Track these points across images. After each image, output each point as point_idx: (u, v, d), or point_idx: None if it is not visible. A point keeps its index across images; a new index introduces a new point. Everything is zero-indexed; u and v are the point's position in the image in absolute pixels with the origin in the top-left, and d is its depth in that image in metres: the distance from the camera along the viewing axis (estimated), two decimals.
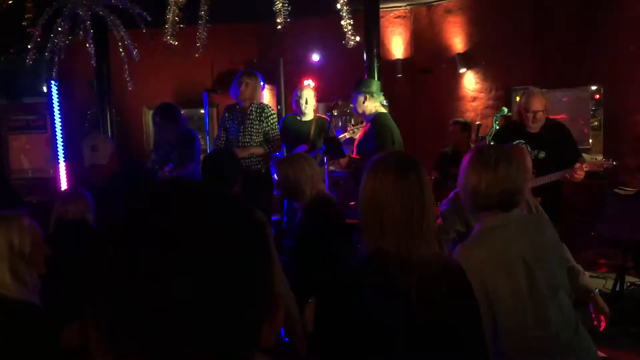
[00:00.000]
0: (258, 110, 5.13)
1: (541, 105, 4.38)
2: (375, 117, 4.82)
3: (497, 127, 4.78)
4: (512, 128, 4.65)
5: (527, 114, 4.37)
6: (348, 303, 1.70)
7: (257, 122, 5.10)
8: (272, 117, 5.16)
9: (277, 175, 3.51)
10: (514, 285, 2.03)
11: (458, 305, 1.71)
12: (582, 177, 4.15)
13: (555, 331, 2.05)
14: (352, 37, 4.84)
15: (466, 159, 2.17)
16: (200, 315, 0.62)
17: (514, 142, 4.45)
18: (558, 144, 4.38)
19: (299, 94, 5.42)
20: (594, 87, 7.21)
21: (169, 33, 5.05)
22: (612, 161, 4.29)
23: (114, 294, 0.63)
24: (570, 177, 4.14)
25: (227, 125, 5.21)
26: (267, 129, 5.11)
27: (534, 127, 4.41)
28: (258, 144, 5.10)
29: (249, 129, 5.11)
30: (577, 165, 4.11)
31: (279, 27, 4.74)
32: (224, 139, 5.23)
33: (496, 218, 2.12)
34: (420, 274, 1.68)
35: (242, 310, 0.65)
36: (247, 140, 5.09)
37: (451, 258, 1.93)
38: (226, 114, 5.25)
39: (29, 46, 5.56)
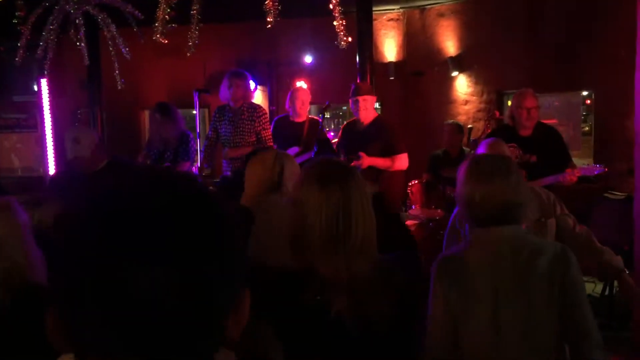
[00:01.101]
0: (250, 110, 5.11)
1: (534, 102, 4.41)
2: (381, 118, 4.90)
3: (489, 131, 4.79)
4: (504, 131, 4.66)
5: (521, 110, 4.36)
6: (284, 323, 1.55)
7: (248, 122, 5.09)
8: (263, 117, 5.15)
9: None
10: (478, 314, 1.88)
11: (398, 323, 1.60)
12: (573, 181, 4.17)
13: None
14: (344, 38, 4.83)
15: (462, 168, 2.03)
16: (159, 309, 0.61)
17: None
18: (549, 148, 4.39)
19: (294, 95, 5.41)
20: (585, 93, 7.25)
21: (159, 31, 5.02)
22: (604, 167, 4.31)
23: (73, 287, 0.62)
24: (562, 180, 4.16)
25: (218, 126, 5.20)
26: (258, 129, 5.10)
27: (527, 127, 4.42)
28: (250, 144, 5.09)
29: (241, 129, 5.09)
30: (569, 170, 4.12)
31: (269, 26, 4.74)
32: (214, 139, 5.22)
33: (484, 233, 1.95)
34: (353, 293, 1.57)
35: (205, 302, 0.64)
36: (239, 140, 5.08)
37: (397, 270, 1.72)
38: (217, 115, 5.23)
39: (19, 44, 5.53)
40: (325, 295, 1.59)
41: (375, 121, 4.89)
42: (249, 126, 5.09)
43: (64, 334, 0.64)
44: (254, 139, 5.11)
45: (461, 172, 2.02)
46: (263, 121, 5.12)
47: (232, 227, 0.69)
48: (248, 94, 5.20)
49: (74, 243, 0.64)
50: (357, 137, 4.83)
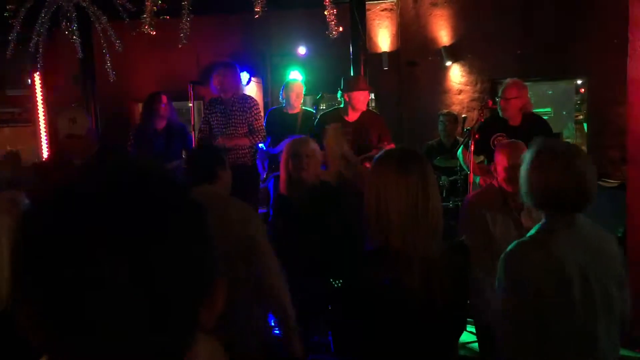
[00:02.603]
0: (241, 102, 5.10)
1: (515, 93, 4.53)
2: (372, 111, 4.94)
3: (481, 120, 4.82)
4: (495, 120, 4.73)
5: (501, 100, 4.55)
6: (358, 297, 1.78)
7: (240, 113, 5.08)
8: (255, 107, 5.13)
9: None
10: (566, 294, 1.89)
11: (458, 300, 1.78)
12: None
13: (601, 354, 1.92)
14: (335, 27, 4.84)
15: (531, 154, 2.02)
16: (132, 298, 0.60)
17: (494, 136, 4.56)
18: (536, 137, 4.44)
19: (288, 87, 5.40)
20: (579, 81, 7.26)
21: (147, 22, 5.00)
22: None
23: (43, 278, 0.61)
24: None
25: (210, 118, 5.19)
26: (251, 119, 5.09)
27: (512, 118, 4.55)
28: (243, 135, 5.08)
29: (233, 120, 5.08)
30: None
31: (257, 16, 4.73)
32: (207, 131, 5.21)
33: (561, 219, 1.95)
34: (424, 269, 1.73)
35: (177, 292, 0.64)
36: (232, 132, 5.07)
37: (457, 253, 1.89)
38: (208, 107, 5.23)
39: (9, 37, 5.50)
40: (398, 271, 1.75)
41: (367, 114, 4.93)
42: (241, 117, 5.07)
43: (33, 332, 0.64)
44: (247, 129, 5.10)
45: (531, 158, 2.00)
46: (255, 112, 5.11)
47: (187, 215, 0.68)
48: (238, 84, 5.18)
49: (28, 233, 0.63)
50: (349, 128, 4.84)
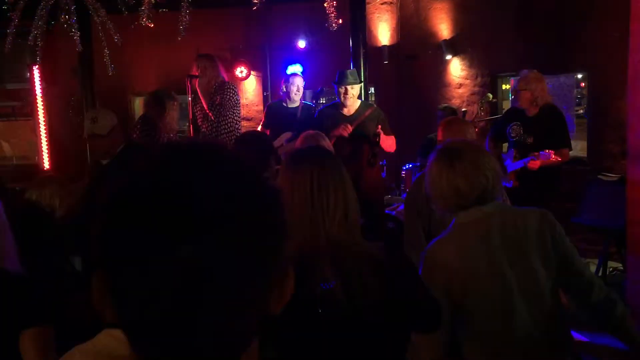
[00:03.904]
0: (220, 86, 5.12)
1: (522, 85, 4.64)
2: (370, 103, 4.95)
3: (482, 114, 4.86)
4: (513, 111, 4.94)
5: (513, 92, 4.69)
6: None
7: (219, 98, 5.10)
8: (227, 89, 5.08)
9: None
10: (483, 284, 1.95)
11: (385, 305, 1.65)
12: (535, 167, 4.36)
13: (527, 330, 1.94)
14: (335, 20, 4.83)
15: (432, 162, 2.08)
16: (210, 283, 0.60)
17: (510, 125, 4.68)
18: (547, 129, 4.51)
19: (289, 81, 5.39)
20: (579, 75, 7.24)
21: (145, 15, 5.00)
22: (557, 157, 4.40)
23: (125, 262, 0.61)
24: (528, 165, 4.39)
25: (195, 111, 5.21)
26: (223, 98, 5.06)
27: (527, 108, 4.66)
28: (230, 121, 5.11)
29: (213, 111, 5.11)
30: (533, 154, 4.36)
31: (254, 8, 4.72)
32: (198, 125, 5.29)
33: (469, 213, 2.02)
34: (347, 266, 1.63)
35: (256, 275, 0.64)
36: (209, 121, 5.11)
37: (374, 249, 1.77)
38: (193, 100, 5.25)
39: (8, 31, 5.48)
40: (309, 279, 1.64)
41: (363, 107, 4.93)
42: (220, 102, 5.11)
43: (106, 304, 0.64)
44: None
45: (433, 165, 2.07)
46: (226, 93, 5.05)
47: (281, 206, 0.69)
48: (217, 73, 5.15)
49: (106, 219, 0.63)
50: (349, 122, 4.83)
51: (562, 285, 2.03)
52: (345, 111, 4.90)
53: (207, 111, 5.08)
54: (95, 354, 1.46)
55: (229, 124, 5.10)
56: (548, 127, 4.55)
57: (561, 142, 4.53)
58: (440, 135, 3.33)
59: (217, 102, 5.05)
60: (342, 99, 4.86)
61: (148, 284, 0.60)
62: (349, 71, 5.04)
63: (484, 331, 1.98)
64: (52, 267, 2.29)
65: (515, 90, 4.78)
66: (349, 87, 4.81)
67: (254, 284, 0.65)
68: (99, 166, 3.78)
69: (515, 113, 4.83)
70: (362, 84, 5.02)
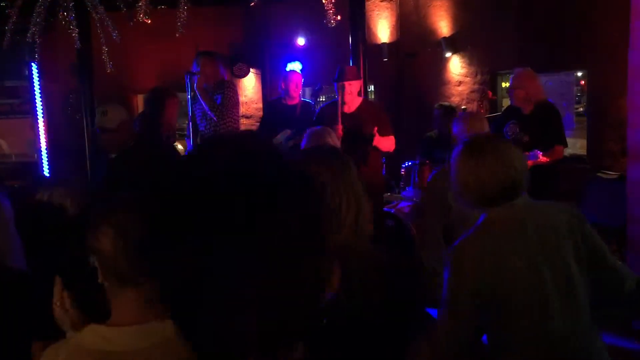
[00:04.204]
0: (219, 84, 5.13)
1: (515, 83, 4.70)
2: (371, 102, 4.91)
3: (481, 111, 4.86)
4: (510, 110, 4.95)
5: (508, 90, 4.79)
6: None
7: (219, 96, 5.12)
8: (227, 88, 5.09)
9: None
10: (520, 282, 1.88)
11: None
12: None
13: (564, 332, 1.89)
14: (333, 16, 4.81)
15: (457, 156, 2.03)
16: (273, 277, 0.62)
17: (508, 123, 4.68)
18: (543, 127, 4.49)
19: (288, 78, 5.39)
20: (579, 73, 7.23)
21: (142, 11, 4.98)
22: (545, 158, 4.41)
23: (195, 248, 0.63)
24: None
25: (194, 109, 5.22)
26: (223, 96, 5.08)
27: (522, 106, 4.68)
28: (231, 120, 5.13)
29: (219, 106, 5.13)
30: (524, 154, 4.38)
31: (252, 4, 4.71)
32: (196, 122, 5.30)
33: (500, 209, 1.95)
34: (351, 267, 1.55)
35: (314, 269, 0.66)
36: (209, 118, 5.11)
37: (380, 255, 1.70)
38: (193, 98, 5.26)
39: (6, 28, 5.46)
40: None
41: (364, 104, 4.88)
42: (220, 100, 5.11)
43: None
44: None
45: (459, 160, 2.01)
46: (226, 91, 5.07)
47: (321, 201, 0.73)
48: (217, 71, 5.16)
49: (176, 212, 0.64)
50: (346, 120, 4.80)
51: (593, 281, 1.96)
52: (345, 109, 4.85)
53: (209, 111, 5.07)
54: (79, 348, 1.48)
55: (228, 123, 5.09)
56: (543, 124, 4.56)
57: (556, 139, 4.53)
58: (459, 130, 3.27)
59: (218, 101, 5.05)
60: (341, 96, 4.82)
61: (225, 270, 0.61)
62: (347, 67, 5.01)
63: (518, 334, 1.91)
64: (66, 267, 2.29)
65: (509, 89, 4.78)
66: (347, 83, 4.77)
67: (314, 276, 0.67)
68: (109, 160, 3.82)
69: (512, 111, 4.84)
70: (362, 80, 4.98)
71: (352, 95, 4.82)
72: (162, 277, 0.64)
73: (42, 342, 1.90)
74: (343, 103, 4.86)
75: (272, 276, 0.62)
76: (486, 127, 3.34)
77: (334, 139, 3.66)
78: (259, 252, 0.61)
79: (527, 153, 4.39)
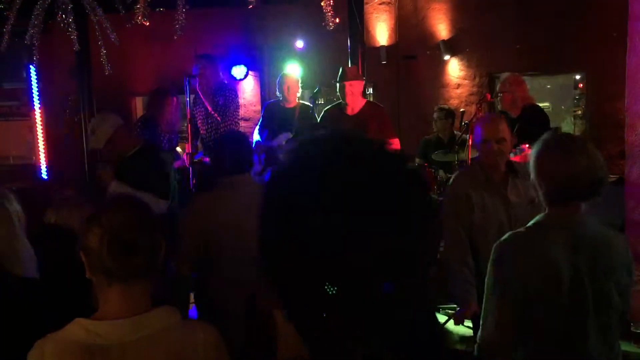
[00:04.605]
0: (219, 88, 5.17)
1: (503, 87, 4.76)
2: (373, 104, 4.95)
3: (480, 114, 4.86)
4: (501, 114, 4.90)
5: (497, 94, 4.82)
6: None
7: (221, 100, 5.15)
8: (228, 91, 5.19)
9: None
10: (553, 293, 1.87)
11: None
12: None
13: (590, 355, 1.89)
14: (332, 19, 4.80)
15: (541, 144, 2.00)
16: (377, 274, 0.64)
17: None
18: (529, 129, 4.50)
19: (281, 81, 5.39)
20: (578, 76, 7.24)
21: (140, 13, 4.99)
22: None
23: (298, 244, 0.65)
24: None
25: (194, 111, 5.26)
26: (226, 100, 5.14)
27: (509, 110, 4.73)
28: (232, 121, 5.18)
29: (222, 108, 5.17)
30: (512, 150, 4.40)
31: (250, 6, 4.72)
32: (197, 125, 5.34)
33: (562, 215, 1.92)
34: None
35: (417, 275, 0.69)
36: (212, 120, 5.16)
37: None
38: (193, 101, 5.31)
39: (4, 30, 5.45)
40: None
41: (368, 106, 4.87)
42: (222, 103, 5.15)
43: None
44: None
45: (547, 148, 1.97)
46: (227, 94, 5.14)
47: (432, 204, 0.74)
48: (217, 75, 5.24)
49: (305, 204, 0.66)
50: (349, 122, 4.79)
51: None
52: (349, 110, 4.83)
53: (212, 112, 5.09)
54: (66, 341, 1.52)
55: (230, 125, 5.13)
56: (529, 126, 4.58)
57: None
58: (479, 132, 3.20)
59: (220, 103, 5.07)
60: (343, 97, 4.80)
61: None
62: (348, 67, 5.00)
63: (546, 349, 1.90)
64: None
65: (496, 94, 4.85)
66: (347, 83, 4.75)
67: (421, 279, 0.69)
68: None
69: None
70: (364, 81, 4.95)
71: (354, 96, 4.78)
72: (286, 279, 0.65)
73: None
74: (345, 104, 4.83)
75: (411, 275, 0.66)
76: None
77: None
78: (402, 251, 0.64)
79: (513, 150, 4.39)
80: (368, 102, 4.96)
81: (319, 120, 5.10)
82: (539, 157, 1.98)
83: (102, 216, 1.54)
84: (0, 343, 1.90)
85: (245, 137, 3.46)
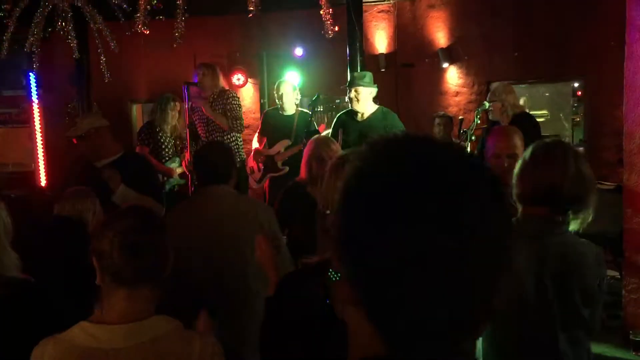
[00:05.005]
0: (219, 95, 5.23)
1: (493, 96, 4.82)
2: (383, 110, 4.86)
3: (479, 122, 4.87)
4: (491, 124, 5.08)
5: None
6: None
7: (219, 108, 5.21)
8: (231, 97, 5.27)
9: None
10: (518, 305, 1.85)
11: None
12: None
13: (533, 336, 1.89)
14: (332, 27, 4.81)
15: (527, 154, 2.01)
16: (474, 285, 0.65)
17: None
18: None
19: (277, 89, 5.40)
20: (576, 84, 7.26)
21: (141, 21, 5.01)
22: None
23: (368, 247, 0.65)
24: None
25: (192, 116, 5.33)
26: (227, 108, 5.19)
27: (501, 119, 4.80)
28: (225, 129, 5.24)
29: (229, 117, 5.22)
30: None
31: (250, 15, 4.74)
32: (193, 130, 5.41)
33: (533, 225, 1.92)
34: None
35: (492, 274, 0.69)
36: (213, 127, 5.26)
37: None
38: (191, 107, 5.35)
39: (4, 37, 5.47)
40: None
41: (378, 112, 4.81)
42: (221, 110, 5.21)
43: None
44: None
45: (535, 155, 1.98)
46: (230, 101, 5.24)
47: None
48: (217, 82, 5.31)
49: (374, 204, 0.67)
50: (356, 128, 4.77)
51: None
52: (358, 117, 4.80)
53: (216, 121, 5.16)
54: (68, 344, 1.56)
55: (236, 130, 5.21)
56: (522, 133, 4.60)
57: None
58: (491, 145, 3.13)
59: (225, 110, 5.15)
60: (350, 102, 4.81)
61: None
62: (358, 73, 5.00)
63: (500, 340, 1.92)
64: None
65: (486, 104, 4.90)
66: (353, 89, 4.75)
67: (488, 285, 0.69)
68: (93, 169, 3.77)
69: (492, 125, 4.94)
70: (375, 87, 4.82)
71: (360, 102, 4.74)
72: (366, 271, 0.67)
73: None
74: (354, 110, 4.80)
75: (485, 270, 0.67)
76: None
77: (337, 147, 3.64)
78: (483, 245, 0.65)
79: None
80: (379, 109, 4.87)
81: (332, 125, 5.07)
82: (523, 160, 2.00)
83: (114, 221, 1.63)
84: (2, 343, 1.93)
85: (225, 147, 3.34)
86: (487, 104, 5.52)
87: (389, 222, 0.65)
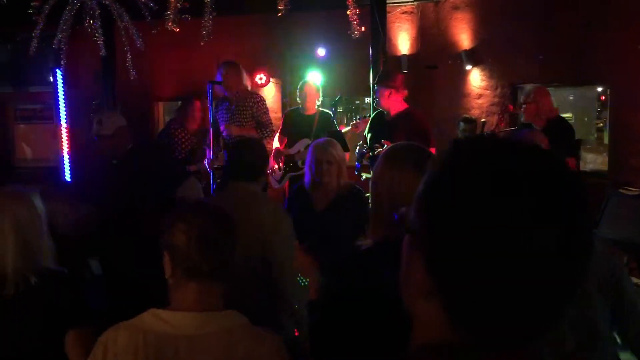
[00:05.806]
0: (245, 97, 5.21)
1: (528, 98, 4.76)
2: (409, 111, 4.74)
3: (502, 125, 4.86)
4: (523, 126, 4.98)
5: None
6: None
7: (243, 109, 5.20)
8: (260, 102, 5.26)
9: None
10: None
11: None
12: None
13: None
14: (358, 27, 4.82)
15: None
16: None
17: None
18: (554, 142, 4.47)
19: (300, 89, 5.43)
20: (600, 88, 7.17)
21: (171, 19, 5.06)
22: None
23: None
24: None
25: (216, 117, 5.32)
26: (257, 114, 5.18)
27: (533, 122, 4.72)
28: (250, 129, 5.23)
29: (237, 116, 5.19)
30: None
31: (279, 14, 4.75)
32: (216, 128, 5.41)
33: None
34: None
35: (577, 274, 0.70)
36: (264, 127, 5.28)
37: None
38: (216, 105, 5.36)
39: (32, 34, 5.57)
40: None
41: (402, 113, 4.73)
42: (245, 113, 5.19)
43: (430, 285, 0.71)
44: (254, 124, 5.22)
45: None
46: (260, 106, 5.24)
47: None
48: (240, 81, 5.25)
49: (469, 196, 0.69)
50: (384, 127, 4.76)
51: None
52: (387, 116, 4.78)
53: (243, 123, 5.22)
54: (139, 329, 1.57)
55: (267, 132, 5.25)
56: (554, 139, 4.54)
57: (564, 153, 4.49)
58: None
59: (253, 114, 5.19)
60: (376, 100, 4.85)
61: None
62: (382, 71, 5.00)
63: None
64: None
65: (520, 105, 4.85)
66: (378, 87, 4.75)
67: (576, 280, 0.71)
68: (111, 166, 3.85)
69: (525, 127, 4.84)
70: (389, 86, 4.69)
71: (386, 100, 4.69)
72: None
73: (75, 330, 2.00)
74: (385, 111, 4.76)
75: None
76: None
77: (339, 148, 3.67)
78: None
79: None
80: (407, 109, 4.75)
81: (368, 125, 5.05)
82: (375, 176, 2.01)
83: (187, 215, 1.64)
84: (32, 333, 1.96)
85: (262, 146, 3.29)
86: (510, 107, 5.50)
87: (486, 219, 0.66)
